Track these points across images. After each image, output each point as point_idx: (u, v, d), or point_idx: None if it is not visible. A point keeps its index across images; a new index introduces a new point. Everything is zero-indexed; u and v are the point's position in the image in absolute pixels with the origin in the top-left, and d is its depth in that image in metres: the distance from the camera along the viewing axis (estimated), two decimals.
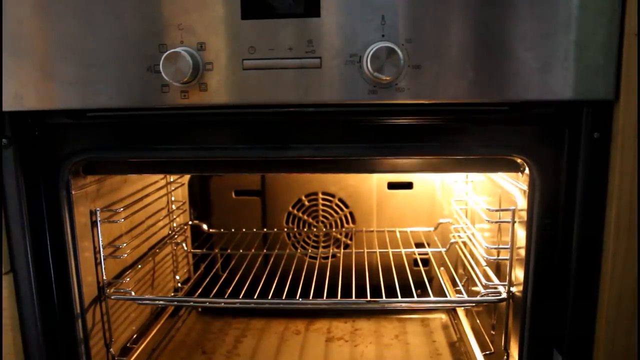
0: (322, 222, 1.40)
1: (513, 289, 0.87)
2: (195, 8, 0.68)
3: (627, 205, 0.69)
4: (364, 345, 1.11)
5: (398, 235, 1.33)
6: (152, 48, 0.70)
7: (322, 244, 1.40)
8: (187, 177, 1.37)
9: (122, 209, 0.98)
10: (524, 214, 0.79)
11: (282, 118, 0.76)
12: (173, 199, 1.30)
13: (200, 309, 1.30)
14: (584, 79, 0.67)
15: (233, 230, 1.40)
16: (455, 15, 0.66)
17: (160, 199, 1.21)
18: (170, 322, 1.21)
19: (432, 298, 1.09)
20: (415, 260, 1.34)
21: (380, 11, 0.67)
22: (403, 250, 1.26)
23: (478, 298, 0.93)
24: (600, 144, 0.70)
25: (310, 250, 1.39)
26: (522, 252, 0.80)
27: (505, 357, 0.89)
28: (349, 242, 1.39)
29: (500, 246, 0.95)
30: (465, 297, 1.05)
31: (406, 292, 1.03)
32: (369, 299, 1.00)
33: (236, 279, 1.15)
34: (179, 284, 1.30)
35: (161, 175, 1.22)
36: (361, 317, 1.24)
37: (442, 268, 1.33)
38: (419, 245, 1.34)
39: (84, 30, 0.70)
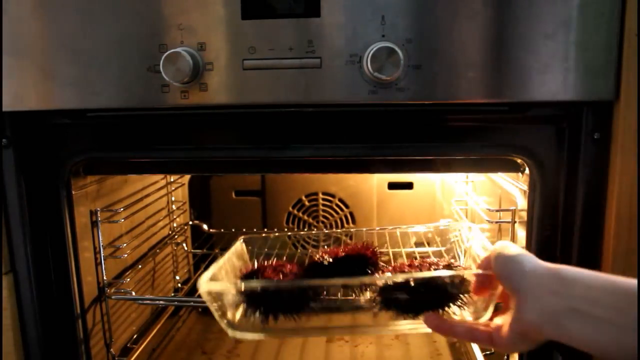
0: (323, 222, 1.40)
1: None
2: (195, 8, 0.68)
3: (627, 205, 0.69)
4: (365, 346, 1.11)
5: (398, 235, 1.33)
6: (152, 48, 0.70)
7: (323, 244, 1.40)
8: (187, 177, 1.37)
9: (122, 209, 0.98)
10: (524, 214, 0.79)
11: (282, 118, 0.76)
12: (173, 199, 1.30)
13: (200, 309, 1.30)
14: (584, 79, 0.67)
15: (233, 230, 1.40)
16: (456, 15, 0.66)
17: (160, 199, 1.21)
18: (171, 322, 1.21)
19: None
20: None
21: (380, 11, 0.67)
22: (403, 250, 1.26)
23: None
24: (600, 144, 0.70)
25: (310, 251, 1.39)
26: None
27: (505, 357, 0.89)
28: (349, 242, 1.39)
29: None
30: None
31: None
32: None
33: None
34: (179, 284, 1.30)
35: (161, 176, 1.22)
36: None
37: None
38: (419, 244, 1.34)
39: (84, 30, 0.70)
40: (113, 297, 0.95)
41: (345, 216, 1.40)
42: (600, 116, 0.69)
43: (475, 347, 1.04)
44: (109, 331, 0.95)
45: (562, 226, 0.74)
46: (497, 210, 0.95)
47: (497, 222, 0.95)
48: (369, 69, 0.67)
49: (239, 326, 0.73)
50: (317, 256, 0.81)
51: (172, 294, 1.27)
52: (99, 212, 0.91)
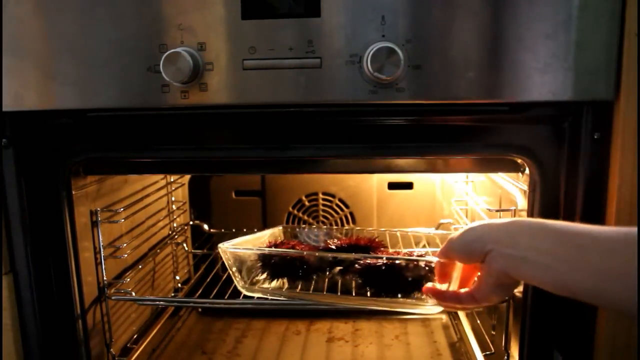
0: (323, 222, 1.40)
1: None
2: (195, 8, 0.68)
3: (627, 205, 0.69)
4: (365, 346, 1.11)
5: (398, 235, 1.33)
6: (152, 48, 0.70)
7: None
8: (187, 177, 1.37)
9: (122, 209, 0.98)
10: (524, 214, 0.79)
11: (282, 118, 0.76)
12: (173, 199, 1.30)
13: (200, 310, 1.30)
14: (584, 79, 0.67)
15: (234, 230, 1.40)
16: (456, 15, 0.66)
17: (160, 199, 1.21)
18: (171, 322, 1.21)
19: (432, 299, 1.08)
20: None
21: (380, 11, 0.67)
22: (404, 250, 1.25)
23: None
24: (600, 144, 0.70)
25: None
26: None
27: (505, 357, 0.89)
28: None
29: None
30: None
31: None
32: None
33: None
34: (179, 285, 1.30)
35: (161, 176, 1.22)
36: (362, 317, 1.24)
37: None
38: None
39: (84, 30, 0.70)
40: (113, 297, 0.94)
41: (345, 216, 1.40)
42: (600, 116, 0.69)
43: (475, 348, 1.04)
44: (109, 331, 0.95)
45: None
46: (497, 210, 0.95)
47: None
48: (369, 69, 0.67)
49: (249, 287, 0.91)
50: (330, 242, 1.03)
51: (172, 294, 1.27)
52: (99, 212, 0.91)
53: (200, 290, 1.12)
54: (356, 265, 0.87)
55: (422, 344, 1.13)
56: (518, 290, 0.84)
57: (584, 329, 0.74)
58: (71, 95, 0.72)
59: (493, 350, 0.99)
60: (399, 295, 0.87)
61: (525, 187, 0.79)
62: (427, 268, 0.82)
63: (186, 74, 0.68)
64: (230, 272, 0.90)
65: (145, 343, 1.07)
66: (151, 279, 1.16)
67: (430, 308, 0.82)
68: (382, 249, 1.02)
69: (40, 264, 0.81)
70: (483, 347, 1.03)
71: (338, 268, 0.92)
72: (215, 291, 1.09)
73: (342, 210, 1.40)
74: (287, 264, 0.91)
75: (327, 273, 0.93)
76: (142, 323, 1.12)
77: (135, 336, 1.07)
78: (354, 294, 0.91)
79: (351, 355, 1.08)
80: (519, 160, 0.76)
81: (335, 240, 1.03)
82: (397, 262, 0.84)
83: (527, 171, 0.76)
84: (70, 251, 0.83)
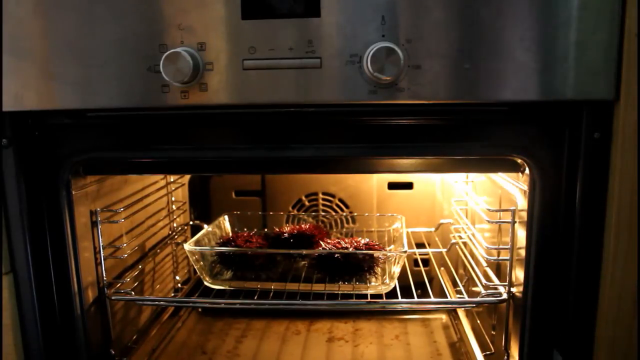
0: (323, 222, 1.40)
1: (513, 290, 0.87)
2: (195, 8, 0.69)
3: (627, 205, 0.69)
4: (365, 346, 1.11)
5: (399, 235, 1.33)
6: (153, 48, 0.70)
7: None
8: (187, 177, 1.37)
9: (122, 209, 0.98)
10: (524, 214, 0.79)
11: (282, 118, 0.76)
12: (173, 199, 1.30)
13: (200, 310, 1.30)
14: (584, 79, 0.67)
15: (235, 229, 1.39)
16: (455, 16, 0.66)
17: (160, 199, 1.21)
18: (171, 322, 1.21)
19: (432, 299, 1.09)
20: (416, 261, 1.34)
21: (380, 11, 0.67)
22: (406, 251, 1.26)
23: (478, 299, 0.92)
24: (600, 144, 0.70)
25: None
26: (523, 252, 0.80)
27: (505, 357, 0.89)
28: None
29: (501, 246, 0.95)
30: (465, 297, 1.05)
31: (407, 293, 1.03)
32: (369, 299, 1.00)
33: None
34: (179, 285, 1.30)
35: (161, 176, 1.22)
36: (362, 317, 1.24)
37: (442, 268, 1.33)
38: (420, 245, 1.34)
39: (84, 30, 0.70)
40: (113, 297, 0.94)
41: (346, 216, 1.40)
42: (600, 116, 0.69)
43: (475, 348, 1.04)
44: (109, 331, 0.95)
45: (562, 226, 0.74)
46: (497, 211, 0.95)
47: (497, 222, 0.95)
48: (369, 69, 0.67)
49: (213, 280, 1.11)
50: (278, 230, 1.21)
51: (172, 294, 1.27)
52: (99, 212, 0.91)
53: (200, 290, 1.12)
54: (306, 258, 1.08)
55: (422, 344, 1.13)
56: (518, 290, 0.84)
57: (584, 329, 0.74)
58: (71, 95, 0.72)
59: (493, 350, 0.99)
60: (345, 279, 1.05)
61: (525, 187, 0.79)
62: (358, 257, 1.01)
63: (186, 74, 0.68)
64: (196, 268, 1.08)
65: (145, 343, 1.07)
66: (151, 279, 1.16)
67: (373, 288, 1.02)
68: (325, 238, 1.16)
69: (40, 264, 0.81)
70: (483, 347, 1.03)
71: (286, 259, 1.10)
72: (215, 291, 1.09)
73: (342, 210, 1.40)
74: (242, 259, 1.08)
75: (277, 265, 1.11)
76: (142, 323, 1.12)
77: (135, 336, 1.07)
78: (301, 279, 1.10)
79: (351, 355, 1.08)
80: (519, 160, 0.76)
81: (286, 229, 1.19)
82: (335, 253, 1.02)
83: (527, 171, 0.76)
84: (70, 251, 0.83)
